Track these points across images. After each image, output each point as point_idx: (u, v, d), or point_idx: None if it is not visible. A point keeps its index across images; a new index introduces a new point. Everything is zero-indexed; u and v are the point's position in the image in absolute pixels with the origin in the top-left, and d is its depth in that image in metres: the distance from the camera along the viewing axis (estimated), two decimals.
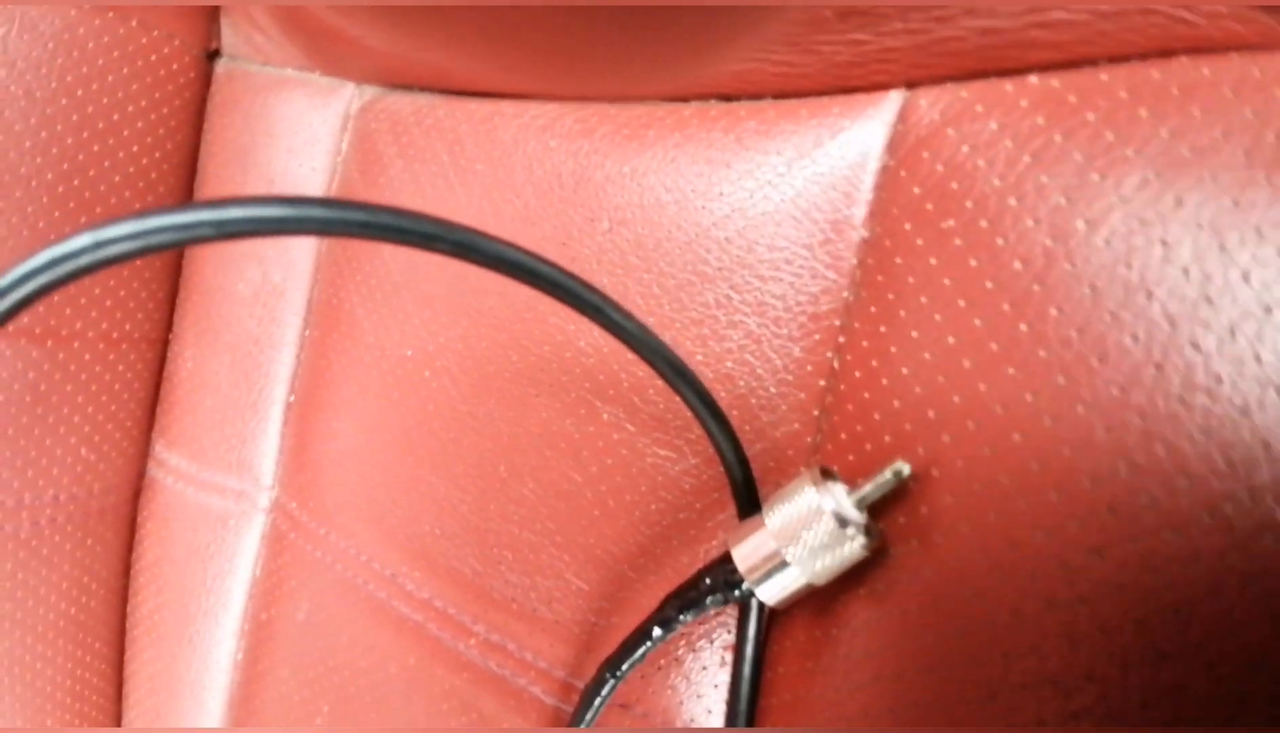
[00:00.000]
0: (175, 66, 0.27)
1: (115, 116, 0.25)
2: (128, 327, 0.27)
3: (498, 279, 0.17)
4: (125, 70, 0.25)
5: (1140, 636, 0.13)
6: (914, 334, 0.17)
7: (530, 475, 0.22)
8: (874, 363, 0.17)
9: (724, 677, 0.19)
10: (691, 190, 0.20)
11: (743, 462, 0.18)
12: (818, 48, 0.17)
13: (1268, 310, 0.13)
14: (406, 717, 0.23)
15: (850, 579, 0.17)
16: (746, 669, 0.18)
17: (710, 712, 0.19)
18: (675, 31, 0.06)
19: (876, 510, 0.16)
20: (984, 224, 0.16)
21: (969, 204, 0.16)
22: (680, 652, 0.19)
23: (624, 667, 0.18)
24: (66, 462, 0.26)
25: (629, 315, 0.15)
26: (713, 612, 0.18)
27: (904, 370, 0.17)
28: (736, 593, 0.17)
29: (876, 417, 0.17)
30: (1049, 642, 0.14)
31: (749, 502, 0.18)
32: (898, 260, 0.17)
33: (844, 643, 0.17)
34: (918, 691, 0.16)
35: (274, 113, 0.28)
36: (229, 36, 0.29)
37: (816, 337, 0.18)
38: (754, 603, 0.18)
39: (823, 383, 0.18)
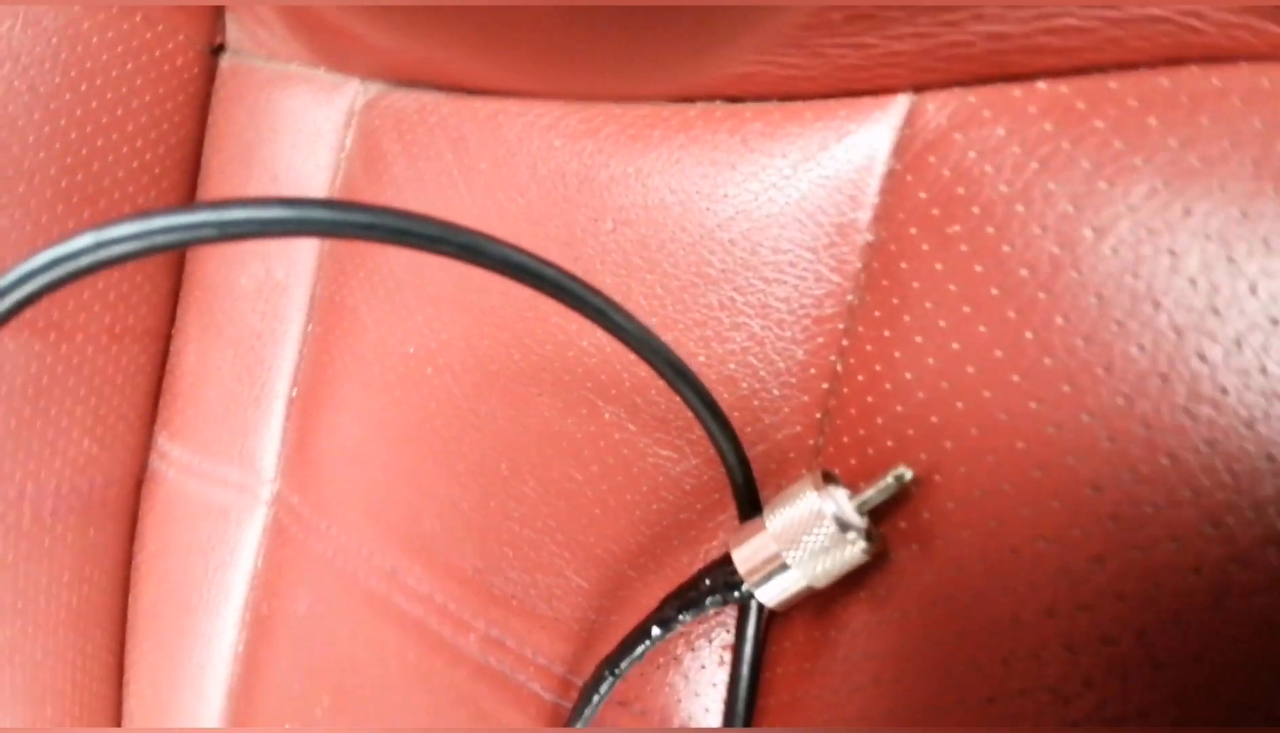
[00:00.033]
0: (179, 62, 0.27)
1: (119, 111, 0.25)
2: (131, 320, 0.27)
3: (501, 278, 0.17)
4: (129, 65, 0.25)
5: (1140, 645, 0.13)
6: (918, 339, 0.17)
7: (531, 473, 0.22)
8: (877, 367, 0.17)
9: (722, 676, 0.19)
10: (696, 192, 0.20)
11: (744, 463, 0.18)
12: (824, 50, 0.17)
13: (1275, 323, 0.13)
14: (405, 710, 0.23)
15: (850, 582, 0.17)
16: (745, 669, 0.18)
17: (708, 711, 0.19)
18: (674, 31, 0.06)
19: (878, 514, 0.16)
20: (990, 230, 0.16)
21: (975, 210, 0.16)
22: (679, 651, 0.19)
23: (622, 665, 0.18)
24: (69, 454, 0.26)
25: (631, 318, 0.15)
26: (712, 612, 0.19)
27: (907, 375, 0.17)
28: (736, 594, 0.17)
29: (879, 421, 0.17)
30: (1049, 649, 0.14)
31: (750, 504, 0.18)
32: (903, 265, 0.17)
33: (843, 645, 0.17)
34: (916, 694, 0.16)
35: (278, 108, 0.28)
36: (234, 31, 0.29)
37: (820, 340, 0.18)
38: (753, 604, 0.18)
39: (826, 386, 0.18)
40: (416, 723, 0.23)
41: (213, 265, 0.29)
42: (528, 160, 0.22)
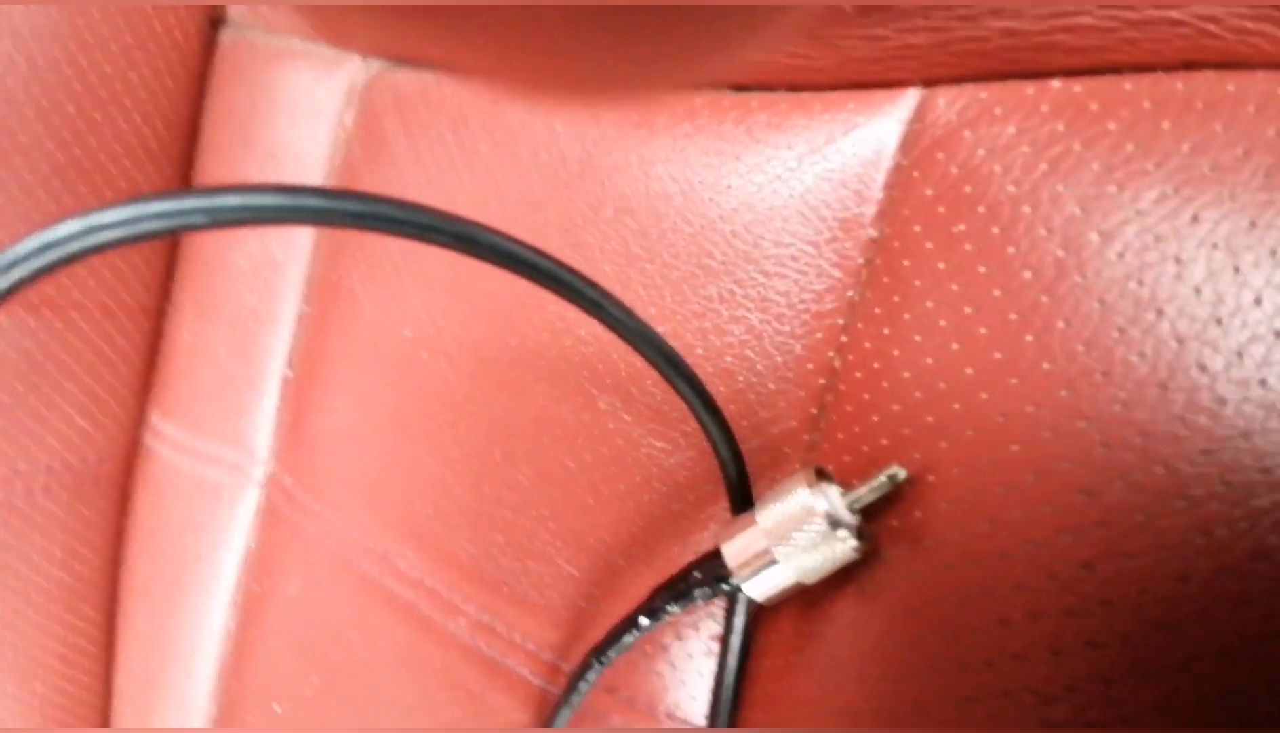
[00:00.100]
0: (178, 35, 0.26)
1: (117, 86, 0.24)
2: (124, 297, 0.27)
3: None
4: (128, 39, 0.24)
5: (1125, 652, 0.13)
6: (917, 338, 0.16)
7: (525, 461, 0.22)
8: (875, 365, 0.17)
9: (709, 666, 0.19)
10: (699, 182, 0.19)
11: (737, 458, 0.18)
12: (835, 41, 0.17)
13: (1278, 335, 0.13)
14: (395, 693, 0.23)
15: (840, 578, 0.17)
16: (732, 661, 0.18)
17: (694, 699, 0.19)
18: (683, 35, 0.06)
19: (870, 512, 0.16)
20: (996, 231, 0.16)
21: (982, 209, 0.16)
22: (667, 640, 0.19)
23: (610, 654, 0.18)
24: (61, 430, 0.26)
25: (628, 311, 0.15)
26: (701, 603, 0.19)
27: (905, 374, 0.17)
28: (725, 587, 0.17)
29: (875, 419, 0.17)
30: (1034, 651, 0.14)
31: (742, 498, 0.18)
32: (905, 263, 0.17)
33: (830, 641, 0.17)
34: (902, 691, 0.16)
35: (278, 84, 0.27)
36: (234, 5, 0.29)
37: (819, 335, 0.18)
38: (742, 598, 0.18)
39: (823, 382, 0.18)
40: (406, 706, 0.23)
41: (208, 243, 0.29)
42: (529, 144, 0.22)
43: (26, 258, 0.10)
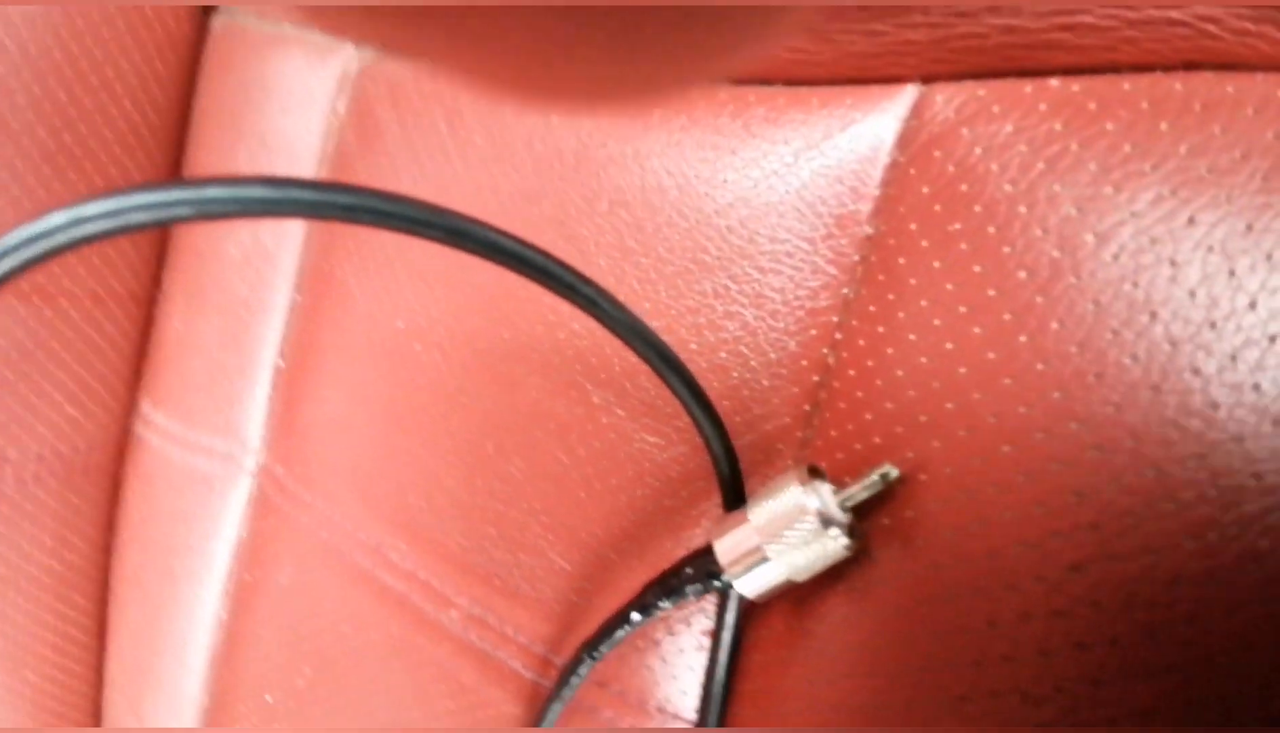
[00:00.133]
0: (170, 20, 0.26)
1: (108, 71, 0.24)
2: (115, 285, 0.27)
3: None
4: (119, 23, 0.24)
5: (1113, 654, 0.13)
6: (912, 337, 0.16)
7: (518, 454, 0.22)
8: (869, 363, 0.17)
9: (700, 661, 0.19)
10: (695, 176, 0.19)
11: (730, 455, 0.18)
12: (834, 36, 0.17)
13: (1272, 339, 0.13)
14: (386, 685, 0.23)
15: (831, 576, 0.17)
16: (723, 656, 0.18)
17: (685, 693, 0.19)
18: (689, 35, 0.06)
19: (862, 510, 0.16)
20: (991, 230, 0.15)
21: (978, 209, 0.16)
22: (659, 634, 0.20)
23: (601, 649, 0.18)
24: (52, 419, 0.26)
25: (621, 308, 0.15)
26: (692, 599, 0.19)
27: (899, 373, 0.17)
28: (716, 584, 0.17)
29: (868, 417, 0.17)
30: (1022, 652, 0.14)
31: (735, 494, 0.18)
32: (901, 261, 0.17)
33: (820, 638, 0.17)
34: (890, 689, 0.16)
35: (270, 70, 0.27)
36: None
37: (813, 332, 0.18)
38: (733, 594, 0.18)
39: (816, 379, 0.18)
40: (398, 698, 0.23)
41: (200, 232, 0.29)
42: (524, 136, 0.22)
43: (13, 250, 0.10)
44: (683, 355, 0.19)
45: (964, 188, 0.16)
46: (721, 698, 0.18)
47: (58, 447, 0.27)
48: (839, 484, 0.16)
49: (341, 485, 0.25)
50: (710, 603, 0.19)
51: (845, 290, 0.18)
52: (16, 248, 0.09)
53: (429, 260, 0.23)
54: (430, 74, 0.24)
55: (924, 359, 0.16)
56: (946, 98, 0.16)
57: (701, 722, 0.18)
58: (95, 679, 0.30)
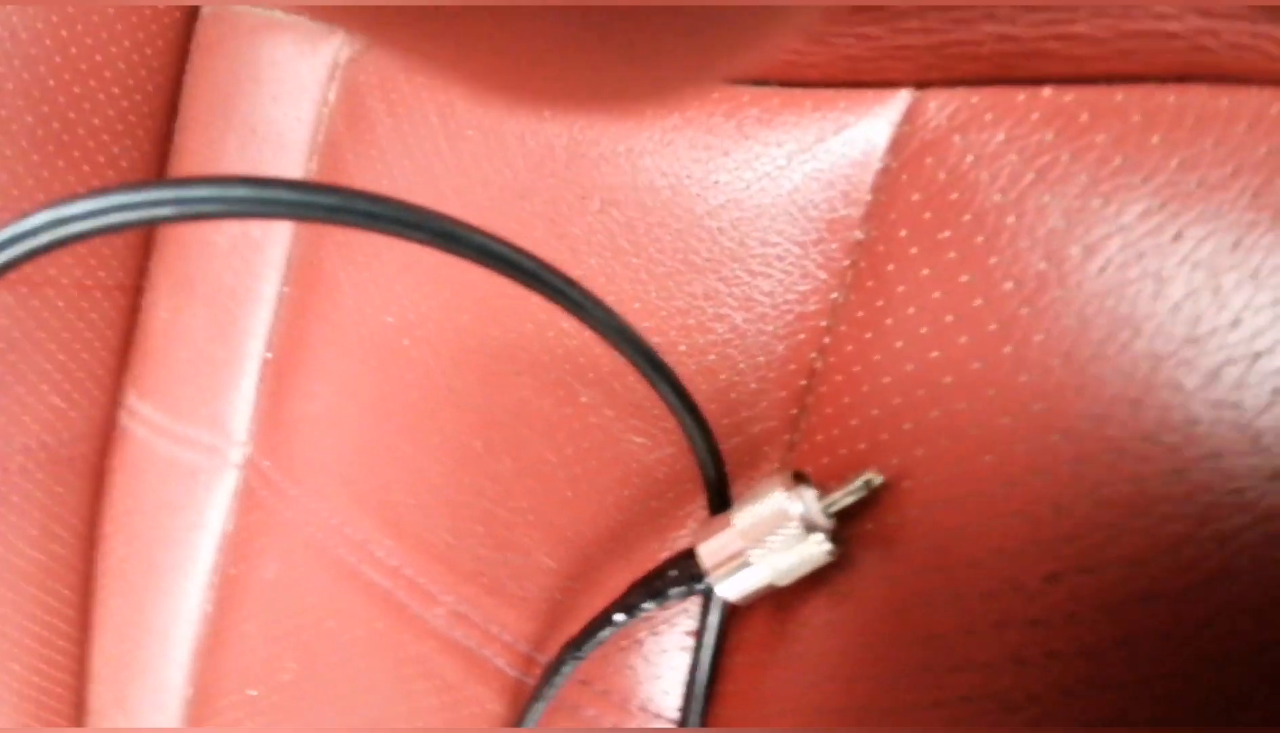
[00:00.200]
0: (160, 5, 0.26)
1: (98, 57, 0.24)
2: (101, 274, 0.27)
3: None
4: (109, 9, 0.24)
5: (1087, 665, 0.14)
6: (899, 344, 0.16)
7: (506, 452, 0.22)
8: (856, 369, 0.17)
9: (683, 661, 0.19)
10: (687, 176, 0.19)
11: (716, 458, 0.18)
12: (829, 39, 0.16)
13: (1255, 357, 0.13)
14: (371, 681, 0.23)
15: (814, 580, 0.17)
16: (705, 657, 0.18)
17: (667, 693, 0.19)
18: (689, 37, 0.06)
19: (845, 515, 0.17)
20: (980, 240, 0.15)
21: (967, 218, 0.16)
22: (642, 634, 0.20)
23: (585, 649, 0.19)
24: (37, 409, 0.26)
25: (610, 312, 0.15)
26: (676, 601, 0.19)
27: (886, 379, 0.17)
28: (700, 587, 0.17)
29: (854, 423, 0.17)
30: (998, 660, 0.14)
31: (720, 497, 0.18)
32: (890, 267, 0.17)
33: (802, 641, 0.17)
34: (869, 693, 0.16)
35: (260, 57, 0.27)
36: None
37: (802, 336, 0.18)
38: (716, 597, 0.18)
39: (804, 383, 0.18)
40: (382, 694, 0.23)
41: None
42: (516, 131, 0.22)
43: None
44: (672, 357, 0.19)
45: (954, 196, 0.16)
46: (703, 698, 0.18)
47: (43, 438, 0.27)
48: (824, 489, 0.16)
49: (328, 480, 0.25)
50: (694, 604, 0.19)
51: (834, 295, 0.18)
52: (1, 247, 0.09)
53: (419, 256, 0.23)
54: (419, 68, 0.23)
55: (910, 367, 0.16)
56: (940, 104, 0.16)
57: (683, 722, 0.19)
58: (79, 670, 0.30)
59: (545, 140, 0.21)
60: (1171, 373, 0.13)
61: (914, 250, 0.16)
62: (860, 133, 0.17)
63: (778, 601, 0.18)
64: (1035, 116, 0.15)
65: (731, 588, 0.17)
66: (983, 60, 0.16)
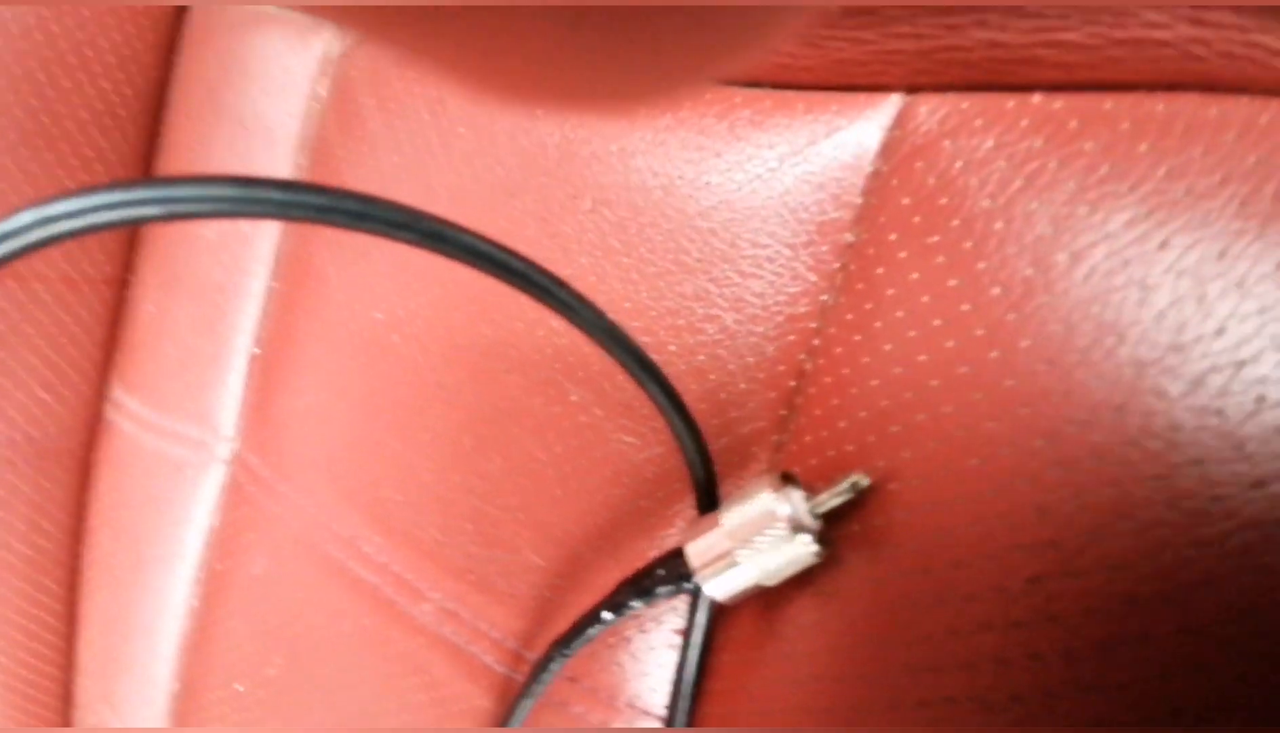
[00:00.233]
0: (151, 1, 0.25)
1: (86, 51, 0.23)
2: (87, 267, 0.27)
3: None
4: (100, 3, 0.23)
5: (1068, 667, 0.14)
6: (888, 347, 0.17)
7: (495, 450, 0.22)
8: (845, 371, 0.17)
9: (670, 658, 0.19)
10: (679, 177, 0.19)
11: (705, 458, 0.18)
12: (822, 42, 0.17)
13: (1238, 366, 0.13)
14: (358, 677, 0.23)
15: (801, 580, 0.17)
16: (693, 655, 0.19)
17: (654, 690, 0.19)
18: (684, 39, 0.06)
19: (832, 516, 0.17)
20: (968, 245, 0.16)
21: (956, 223, 0.16)
22: (630, 632, 0.20)
23: (573, 647, 0.19)
24: (22, 402, 0.26)
25: (600, 314, 0.15)
26: (664, 600, 0.19)
27: (874, 382, 0.17)
28: (687, 586, 0.17)
29: (842, 425, 0.17)
30: (981, 662, 0.15)
31: (708, 497, 0.18)
32: (879, 270, 0.17)
33: (788, 640, 0.17)
34: (854, 693, 0.16)
35: (250, 51, 0.26)
36: None
37: (791, 338, 0.18)
38: (704, 596, 0.18)
39: (793, 384, 0.18)
40: (370, 690, 0.23)
41: None
42: (508, 129, 0.21)
43: None
44: (661, 357, 0.19)
45: (944, 201, 0.16)
46: (691, 696, 0.18)
47: (29, 431, 0.26)
48: (811, 491, 0.16)
49: (316, 476, 0.25)
50: (682, 602, 0.19)
51: (824, 297, 0.18)
52: None
53: (409, 253, 0.23)
54: (411, 64, 0.23)
55: (898, 370, 0.16)
56: (930, 109, 0.16)
57: (670, 719, 0.19)
58: (66, 664, 0.30)
59: (537, 138, 0.21)
60: (1156, 380, 0.13)
61: (903, 254, 0.16)
62: (852, 136, 0.17)
63: (765, 600, 0.18)
64: (1024, 123, 0.15)
65: (719, 587, 0.17)
66: (973, 66, 0.16)
